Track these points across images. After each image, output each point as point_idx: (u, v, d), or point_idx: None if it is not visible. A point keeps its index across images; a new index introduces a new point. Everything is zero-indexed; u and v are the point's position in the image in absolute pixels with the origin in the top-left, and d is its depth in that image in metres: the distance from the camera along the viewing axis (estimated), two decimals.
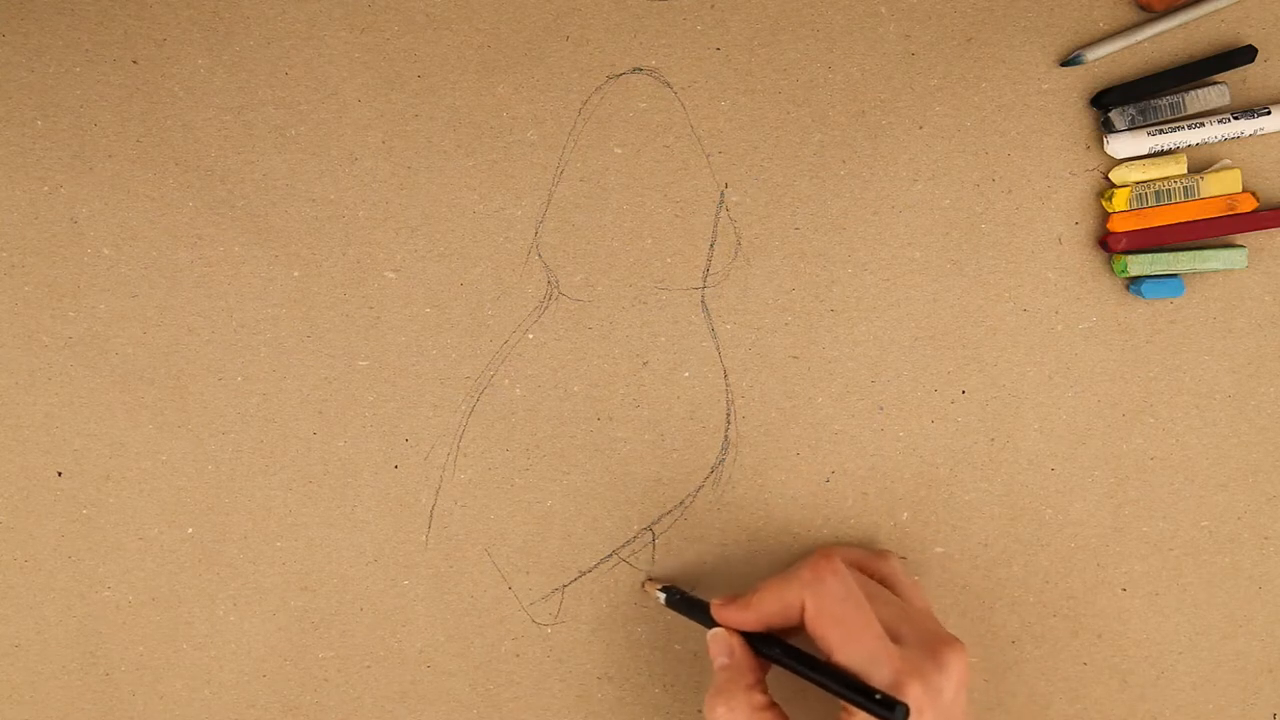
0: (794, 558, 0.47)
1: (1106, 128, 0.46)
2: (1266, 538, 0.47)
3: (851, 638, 0.38)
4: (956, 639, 0.39)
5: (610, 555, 0.48)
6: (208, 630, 0.48)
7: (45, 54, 0.46)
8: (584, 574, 0.48)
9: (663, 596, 0.45)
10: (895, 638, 0.39)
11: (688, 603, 0.44)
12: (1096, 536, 0.47)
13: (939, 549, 0.47)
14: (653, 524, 0.47)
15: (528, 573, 0.48)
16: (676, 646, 0.48)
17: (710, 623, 0.42)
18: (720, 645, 0.41)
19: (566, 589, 0.48)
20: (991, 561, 0.47)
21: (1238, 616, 0.47)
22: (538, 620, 0.48)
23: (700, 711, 0.48)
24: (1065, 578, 0.47)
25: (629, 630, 0.48)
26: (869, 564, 0.45)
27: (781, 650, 0.40)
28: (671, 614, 0.47)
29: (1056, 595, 0.47)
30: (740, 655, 0.41)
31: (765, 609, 0.40)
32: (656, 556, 0.47)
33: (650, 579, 0.47)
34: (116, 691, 0.48)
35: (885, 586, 0.43)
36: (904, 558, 0.47)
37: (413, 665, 0.48)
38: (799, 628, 0.40)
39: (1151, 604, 0.47)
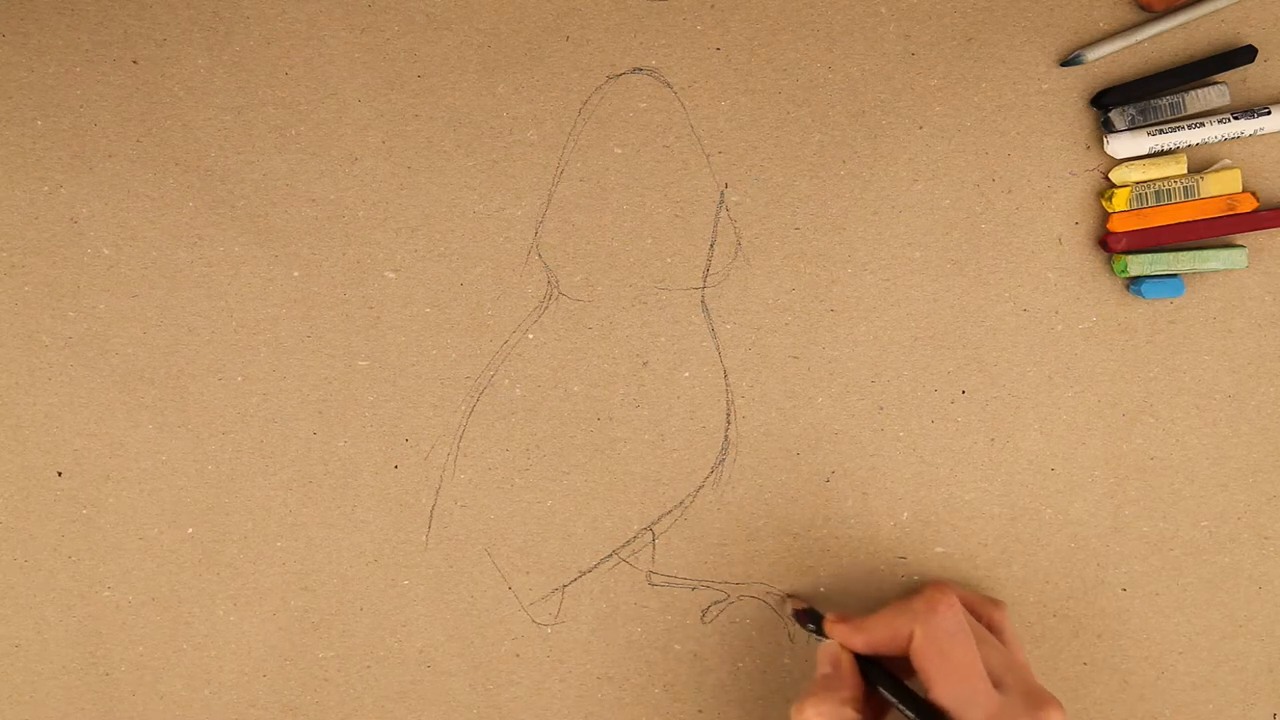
0: (794, 557, 0.47)
1: (1106, 128, 0.46)
2: (1266, 538, 0.47)
3: (954, 675, 0.38)
4: (1057, 700, 0.38)
5: (610, 555, 0.48)
6: (208, 630, 0.48)
7: (45, 54, 0.46)
8: (584, 574, 0.48)
9: (793, 608, 0.46)
10: (997, 685, 0.38)
11: (811, 615, 0.45)
12: (1096, 536, 0.47)
13: (939, 549, 0.47)
14: (653, 524, 0.47)
15: (528, 573, 0.48)
16: (676, 646, 0.48)
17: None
18: (828, 655, 0.42)
19: (566, 589, 0.48)
20: (991, 561, 0.47)
21: (1238, 616, 0.47)
22: (538, 620, 0.48)
23: (700, 712, 0.48)
24: (1065, 578, 0.47)
25: (629, 630, 0.48)
26: (979, 608, 0.44)
27: (885, 679, 0.41)
28: (672, 615, 0.47)
29: (1056, 595, 0.47)
30: (845, 670, 0.41)
31: (875, 633, 0.41)
32: (656, 556, 0.47)
33: (791, 595, 0.47)
34: (116, 691, 0.48)
35: (991, 633, 0.42)
36: (903, 557, 0.47)
37: (413, 665, 0.48)
38: (904, 658, 0.40)
39: (1151, 604, 0.47)
